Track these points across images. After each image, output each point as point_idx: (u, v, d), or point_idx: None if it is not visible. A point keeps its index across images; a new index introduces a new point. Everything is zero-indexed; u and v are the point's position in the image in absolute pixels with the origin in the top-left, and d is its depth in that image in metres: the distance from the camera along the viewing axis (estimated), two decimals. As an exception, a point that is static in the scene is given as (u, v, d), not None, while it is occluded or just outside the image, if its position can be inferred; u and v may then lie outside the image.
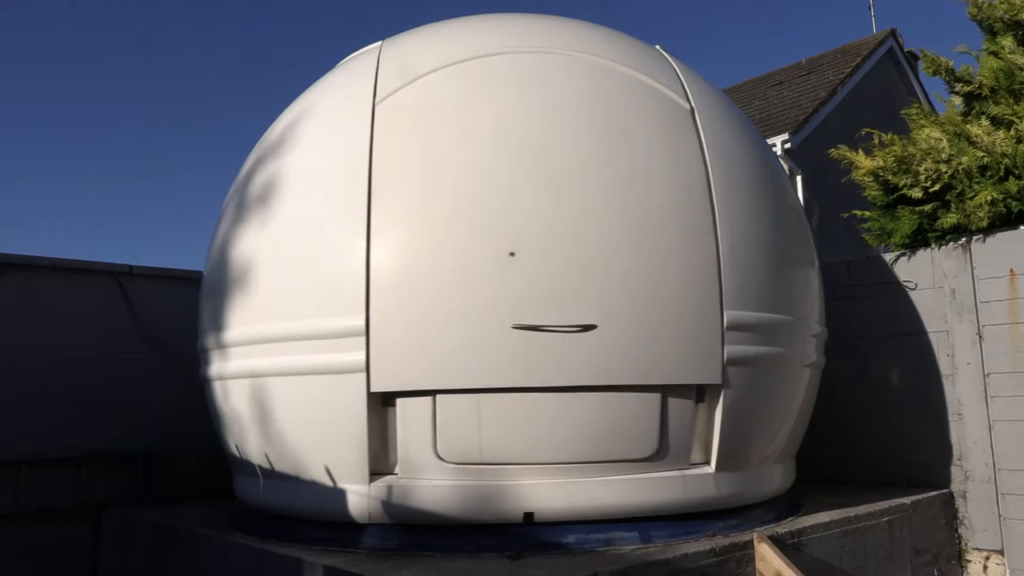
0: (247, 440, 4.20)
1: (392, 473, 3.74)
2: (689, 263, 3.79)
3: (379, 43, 4.65)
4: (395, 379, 3.61)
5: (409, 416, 3.65)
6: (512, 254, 3.54)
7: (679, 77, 4.39)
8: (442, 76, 4.10)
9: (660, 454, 3.75)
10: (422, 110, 4.00)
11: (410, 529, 3.72)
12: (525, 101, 3.99)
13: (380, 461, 3.73)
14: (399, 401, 3.66)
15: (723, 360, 3.78)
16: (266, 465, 4.15)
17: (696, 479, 3.86)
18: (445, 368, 3.57)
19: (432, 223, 3.70)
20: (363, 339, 3.59)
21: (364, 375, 3.59)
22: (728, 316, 3.80)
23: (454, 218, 3.69)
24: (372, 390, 3.60)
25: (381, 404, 3.68)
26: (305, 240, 3.90)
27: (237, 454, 4.38)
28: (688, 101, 4.23)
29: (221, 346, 4.28)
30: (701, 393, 3.86)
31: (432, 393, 3.60)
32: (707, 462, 3.92)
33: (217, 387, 4.40)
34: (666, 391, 3.72)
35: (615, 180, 3.81)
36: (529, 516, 3.63)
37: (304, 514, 3.98)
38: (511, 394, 3.56)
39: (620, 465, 3.69)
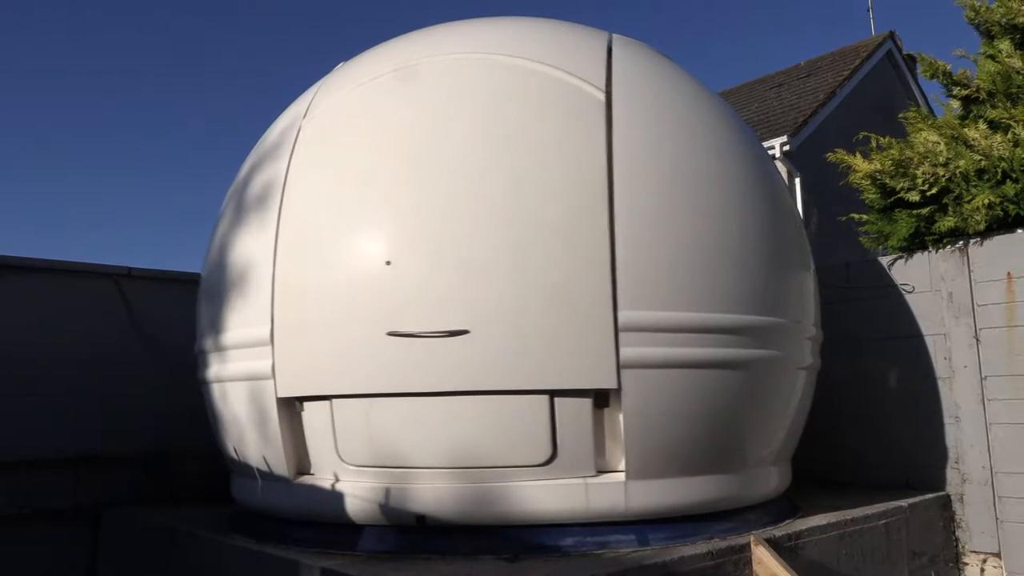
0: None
1: (310, 473, 4.04)
2: (574, 265, 3.60)
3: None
4: (296, 385, 3.87)
5: (314, 420, 3.91)
6: (388, 263, 3.62)
7: (607, 68, 4.10)
8: (355, 90, 4.31)
9: (557, 460, 3.65)
10: (328, 125, 4.25)
11: (407, 530, 3.73)
12: (416, 109, 4.05)
13: (305, 461, 4.05)
14: (306, 405, 3.92)
15: (618, 363, 3.58)
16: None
17: (603, 487, 3.68)
18: (335, 375, 3.76)
19: (324, 232, 3.87)
20: (270, 348, 3.88)
21: (272, 381, 3.87)
22: (625, 317, 3.58)
23: (340, 227, 3.85)
24: (279, 395, 3.88)
25: (296, 408, 3.96)
26: (241, 252, 4.23)
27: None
28: (607, 92, 3.96)
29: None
30: (604, 398, 3.66)
31: (329, 398, 3.81)
32: (620, 469, 3.72)
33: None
34: (554, 396, 3.60)
35: (497, 182, 3.73)
36: (421, 519, 3.69)
37: (300, 516, 4.00)
38: (394, 399, 3.67)
39: (516, 471, 3.65)
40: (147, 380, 5.79)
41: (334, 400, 3.80)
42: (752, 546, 3.69)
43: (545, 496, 3.66)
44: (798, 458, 4.80)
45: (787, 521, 4.22)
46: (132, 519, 5.16)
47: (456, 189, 3.75)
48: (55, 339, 5.54)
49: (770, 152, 10.97)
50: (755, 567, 3.65)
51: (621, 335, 3.57)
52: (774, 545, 3.74)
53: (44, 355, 5.47)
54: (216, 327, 4.31)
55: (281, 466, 4.00)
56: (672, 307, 3.72)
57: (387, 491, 3.75)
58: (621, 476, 3.71)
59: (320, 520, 3.91)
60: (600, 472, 3.72)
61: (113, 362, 5.73)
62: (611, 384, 3.60)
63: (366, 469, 3.81)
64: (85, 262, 5.81)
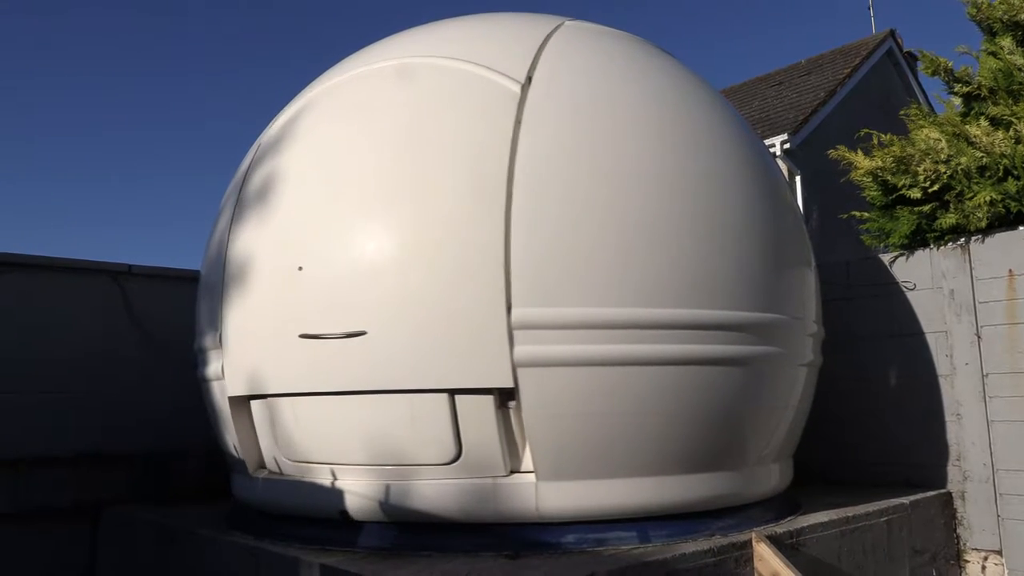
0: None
1: (265, 467, 4.28)
2: (469, 264, 3.56)
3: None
4: (239, 385, 4.10)
5: (259, 417, 4.13)
6: (300, 268, 3.78)
7: (535, 59, 4.01)
8: (316, 95, 4.45)
9: (463, 459, 3.64)
10: (283, 130, 4.39)
11: (408, 527, 3.73)
12: (337, 118, 4.22)
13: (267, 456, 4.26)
14: (252, 404, 4.13)
15: (512, 362, 3.51)
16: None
17: (513, 488, 3.64)
18: (264, 375, 3.96)
19: (256, 239, 4.07)
20: (220, 350, 4.19)
21: (223, 381, 4.13)
22: (519, 316, 3.50)
23: (266, 235, 4.02)
24: (228, 394, 4.16)
25: (246, 406, 4.21)
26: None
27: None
28: (525, 84, 3.87)
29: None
30: (508, 397, 3.58)
31: (265, 397, 3.99)
32: (530, 470, 3.66)
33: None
34: (454, 394, 3.57)
35: (400, 184, 3.77)
36: (344, 515, 3.77)
37: (300, 512, 3.99)
38: (312, 398, 3.81)
39: (427, 469, 3.68)
40: (147, 378, 5.79)
41: (269, 399, 4.00)
42: (753, 543, 3.68)
43: (454, 495, 3.66)
44: (799, 455, 4.79)
45: (789, 518, 4.21)
46: (132, 517, 5.15)
47: (362, 194, 3.83)
48: (55, 337, 5.53)
49: (771, 150, 10.96)
50: (756, 564, 3.65)
51: (516, 333, 3.50)
52: (775, 542, 3.74)
53: (43, 353, 5.47)
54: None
55: (241, 459, 4.30)
56: (579, 303, 3.59)
57: (314, 486, 3.85)
58: (531, 477, 3.63)
59: (320, 517, 3.91)
60: (513, 472, 3.67)
61: (113, 360, 5.72)
62: (507, 383, 3.52)
63: (299, 464, 4.00)
64: (85, 259, 5.79)
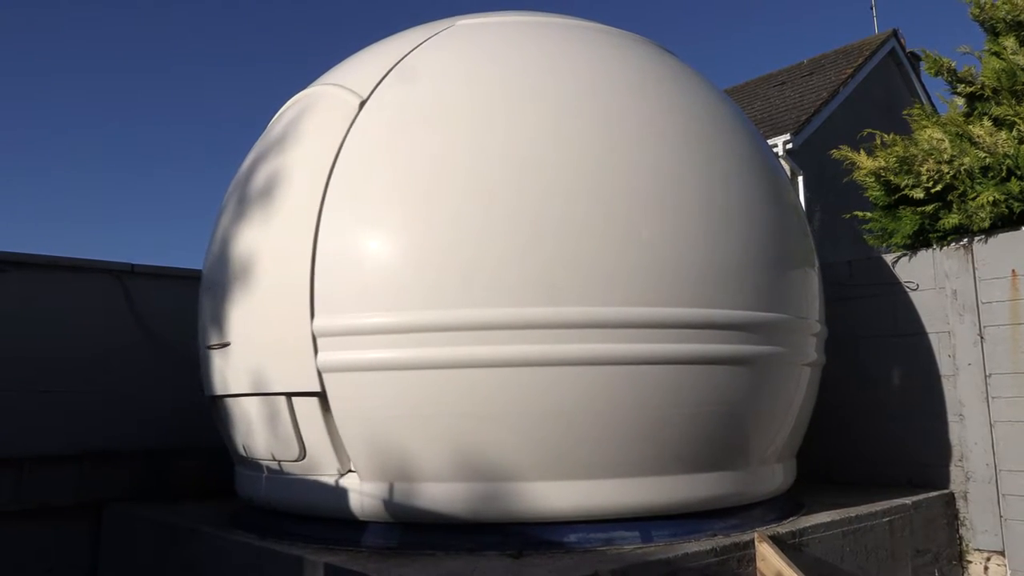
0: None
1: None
2: (283, 273, 3.86)
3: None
4: (208, 387, 4.54)
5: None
6: (208, 288, 4.46)
7: (388, 72, 4.16)
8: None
9: (308, 458, 3.93)
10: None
11: (411, 527, 3.74)
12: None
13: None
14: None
15: (317, 367, 3.71)
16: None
17: (346, 486, 3.83)
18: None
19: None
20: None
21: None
22: (321, 323, 3.71)
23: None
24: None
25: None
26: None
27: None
28: (367, 97, 4.07)
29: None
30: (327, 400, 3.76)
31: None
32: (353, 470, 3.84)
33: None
34: (289, 398, 3.85)
35: (247, 212, 4.23)
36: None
37: (304, 511, 4.00)
38: (225, 399, 4.35)
39: (290, 464, 4.04)
40: (150, 376, 5.79)
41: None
42: (756, 543, 3.68)
43: (308, 490, 3.96)
44: (802, 455, 4.79)
45: (791, 518, 4.21)
46: (134, 515, 5.15)
47: (223, 220, 4.46)
48: (58, 335, 5.53)
49: (773, 150, 10.95)
50: (759, 564, 3.65)
51: (319, 340, 3.72)
52: (778, 542, 3.74)
53: (47, 351, 5.47)
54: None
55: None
56: (379, 310, 3.65)
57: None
58: (356, 477, 3.82)
59: (328, 516, 3.93)
60: (350, 472, 3.86)
61: (116, 358, 5.73)
62: (314, 387, 3.75)
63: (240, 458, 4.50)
64: (88, 258, 5.80)
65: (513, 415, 3.60)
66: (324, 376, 3.73)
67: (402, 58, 4.27)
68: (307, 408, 3.82)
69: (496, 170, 3.75)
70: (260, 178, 4.31)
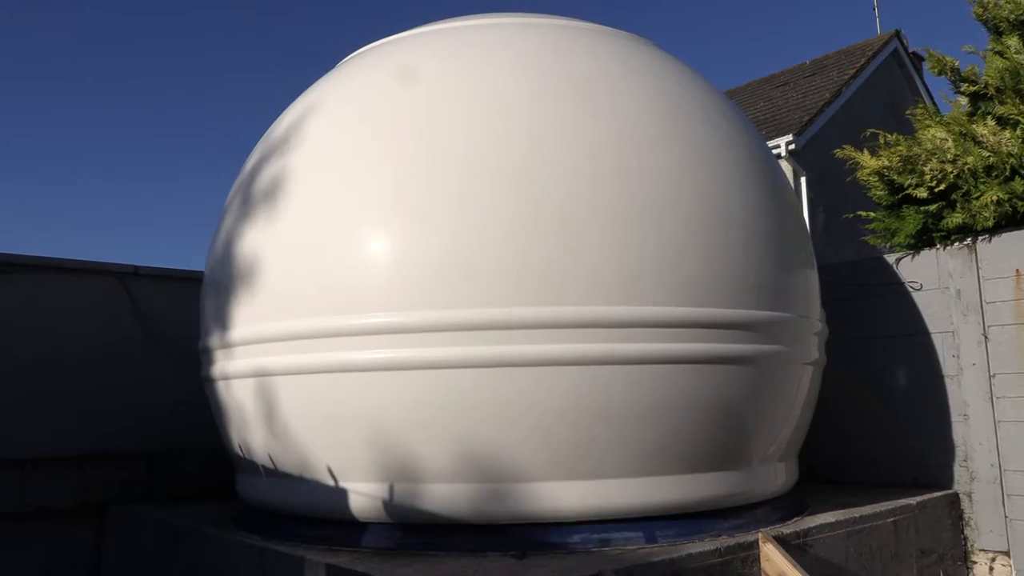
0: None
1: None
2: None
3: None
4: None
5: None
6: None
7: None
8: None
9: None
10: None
11: (413, 528, 3.73)
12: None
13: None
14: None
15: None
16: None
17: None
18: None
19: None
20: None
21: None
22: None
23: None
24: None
25: None
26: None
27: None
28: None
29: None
30: None
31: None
32: None
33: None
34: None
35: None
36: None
37: (306, 511, 4.00)
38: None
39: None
40: (153, 378, 5.80)
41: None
42: (760, 543, 3.67)
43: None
44: (805, 456, 4.78)
45: (795, 518, 4.20)
46: (137, 516, 5.16)
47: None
48: (62, 337, 5.54)
49: (775, 151, 10.94)
50: (763, 564, 3.63)
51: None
52: (782, 542, 3.72)
53: (50, 353, 5.48)
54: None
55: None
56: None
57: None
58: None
59: (332, 518, 3.93)
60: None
61: (119, 360, 5.74)
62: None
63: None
64: (92, 261, 5.82)
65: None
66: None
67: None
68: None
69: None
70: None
